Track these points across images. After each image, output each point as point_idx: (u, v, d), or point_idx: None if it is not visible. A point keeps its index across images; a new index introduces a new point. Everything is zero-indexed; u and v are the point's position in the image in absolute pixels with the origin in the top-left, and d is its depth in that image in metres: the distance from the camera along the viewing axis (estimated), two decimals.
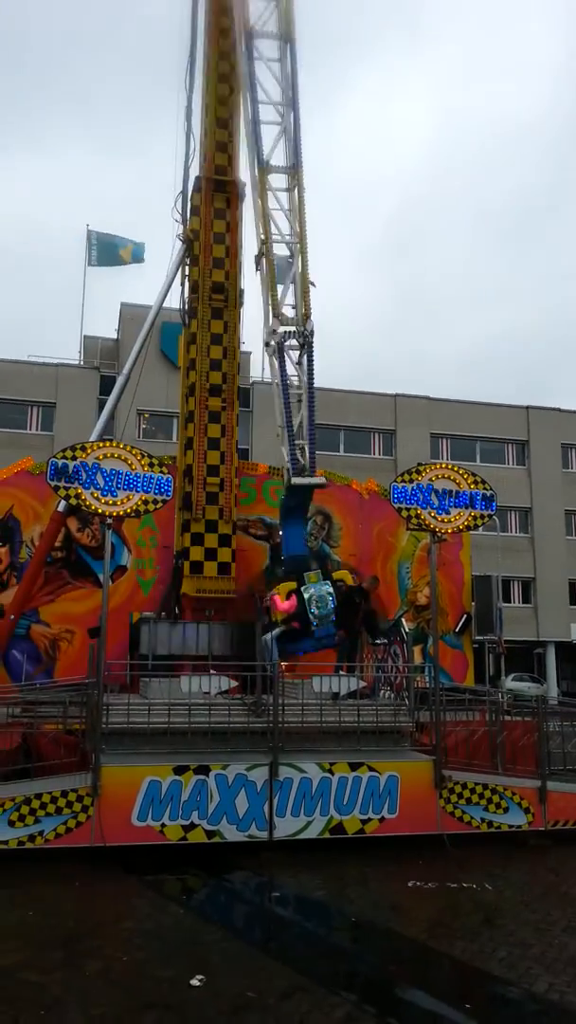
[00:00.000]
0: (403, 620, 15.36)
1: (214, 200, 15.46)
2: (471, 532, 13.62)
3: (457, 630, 17.62)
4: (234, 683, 12.05)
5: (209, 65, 15.57)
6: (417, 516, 12.20)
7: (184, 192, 15.90)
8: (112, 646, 13.11)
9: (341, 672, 12.58)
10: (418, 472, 12.41)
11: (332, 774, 10.37)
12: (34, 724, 10.61)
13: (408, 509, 12.30)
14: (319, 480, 13.49)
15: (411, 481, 12.28)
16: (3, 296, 66.71)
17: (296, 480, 13.12)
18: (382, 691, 13.37)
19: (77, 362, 33.51)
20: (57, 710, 10.67)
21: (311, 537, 16.99)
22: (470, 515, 12.42)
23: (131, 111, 75.03)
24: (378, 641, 13.90)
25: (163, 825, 9.79)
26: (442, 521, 12.27)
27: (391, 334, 73.31)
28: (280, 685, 11.09)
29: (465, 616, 17.64)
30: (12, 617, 14.25)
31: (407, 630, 14.19)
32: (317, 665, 12.86)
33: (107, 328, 34.85)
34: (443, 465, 12.90)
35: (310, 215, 13.88)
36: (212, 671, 12.20)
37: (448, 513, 12.38)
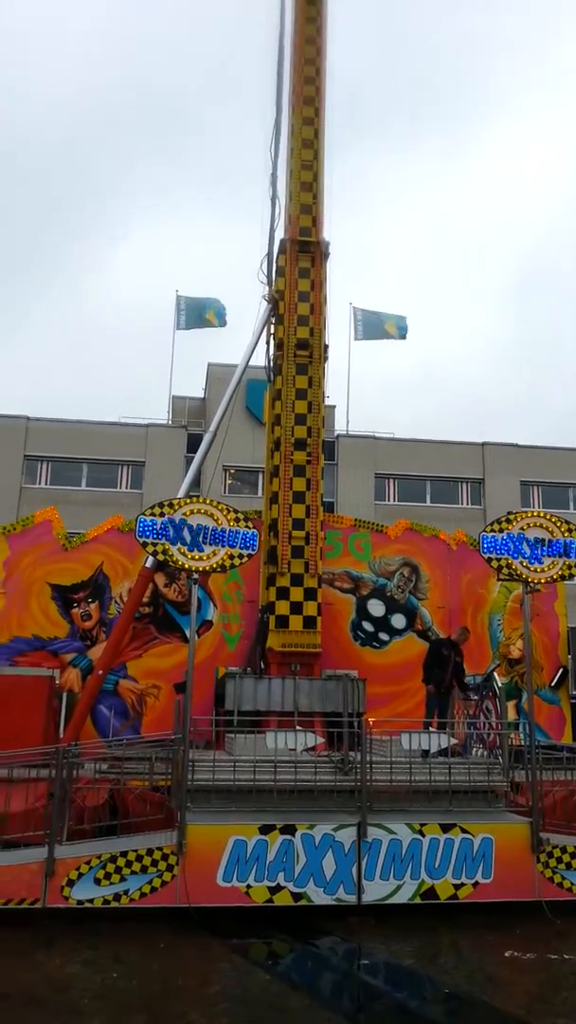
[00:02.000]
0: (495, 674, 14.84)
1: (299, 260, 15.78)
2: (566, 582, 13.11)
3: (553, 684, 16.91)
4: (320, 739, 11.81)
5: (293, 132, 16.06)
6: (508, 566, 11.86)
7: (270, 254, 16.30)
8: (198, 701, 13.11)
9: (431, 729, 12.19)
10: (508, 521, 12.10)
11: (423, 836, 9.98)
12: (120, 780, 10.62)
13: (499, 559, 11.98)
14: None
15: (501, 530, 11.99)
16: (102, 363, 69.53)
17: None
18: (474, 749, 12.88)
19: (166, 421, 34.42)
20: (143, 766, 10.67)
21: (398, 590, 16.75)
22: (564, 564, 12.00)
23: (218, 178, 78.01)
24: (470, 696, 13.46)
25: (248, 886, 9.57)
26: (535, 571, 11.88)
27: (516, 378, 72.67)
28: (368, 742, 10.81)
29: (561, 670, 16.94)
30: (101, 672, 14.45)
31: (500, 684, 13.68)
32: (406, 721, 12.51)
33: (195, 388, 35.80)
34: (534, 513, 12.54)
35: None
36: (298, 727, 12.01)
37: (541, 563, 11.99)
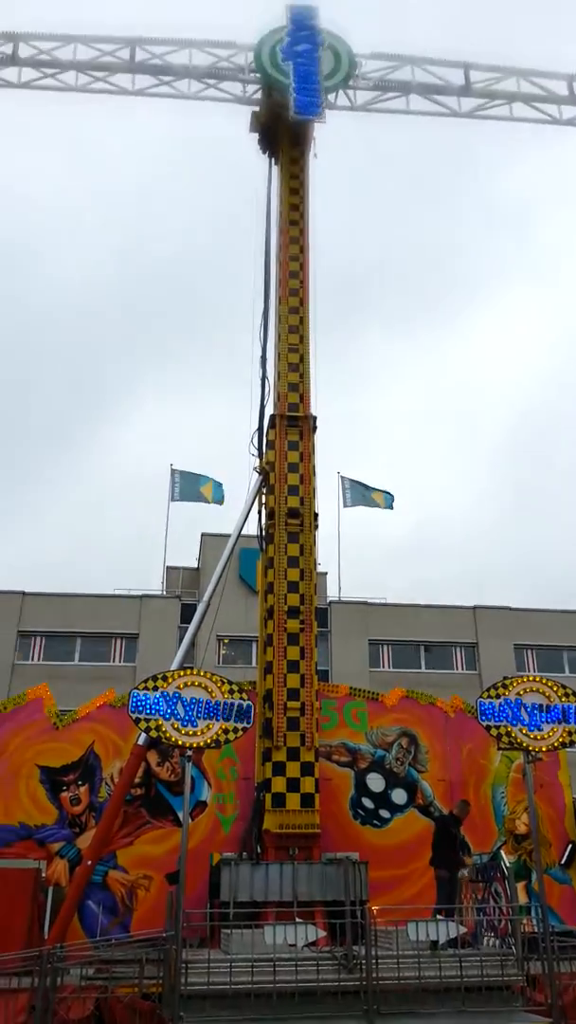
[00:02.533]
0: (502, 853, 14.15)
1: (288, 434, 16.40)
2: (567, 749, 12.77)
3: (563, 862, 16.02)
4: (322, 933, 11.05)
5: (281, 319, 17.19)
6: (508, 734, 11.62)
7: (260, 428, 16.97)
8: (191, 893, 12.35)
9: (439, 916, 11.43)
10: (504, 686, 11.97)
11: None
12: (108, 988, 9.81)
13: (497, 727, 11.74)
14: None
15: (498, 696, 11.83)
16: (97, 535, 70.52)
17: None
18: (486, 937, 12.03)
19: (159, 592, 34.49)
20: (133, 970, 9.90)
21: (397, 762, 16.22)
22: (564, 730, 11.78)
23: (208, 360, 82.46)
24: (477, 876, 12.73)
25: None
26: (535, 738, 11.64)
27: (508, 540, 73.58)
28: (373, 934, 10.13)
29: (571, 846, 16.10)
30: (90, 863, 13.64)
31: (508, 864, 13.01)
32: (412, 909, 11.76)
33: (188, 558, 36.06)
34: (530, 678, 12.43)
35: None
36: (298, 919, 11.26)
37: (540, 729, 11.76)
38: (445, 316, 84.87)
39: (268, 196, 18.17)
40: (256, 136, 18.55)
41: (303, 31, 18.04)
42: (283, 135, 18.02)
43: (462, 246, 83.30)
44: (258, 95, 18.26)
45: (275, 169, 18.36)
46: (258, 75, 17.92)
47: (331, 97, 18.12)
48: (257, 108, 18.35)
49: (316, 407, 16.75)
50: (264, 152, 18.61)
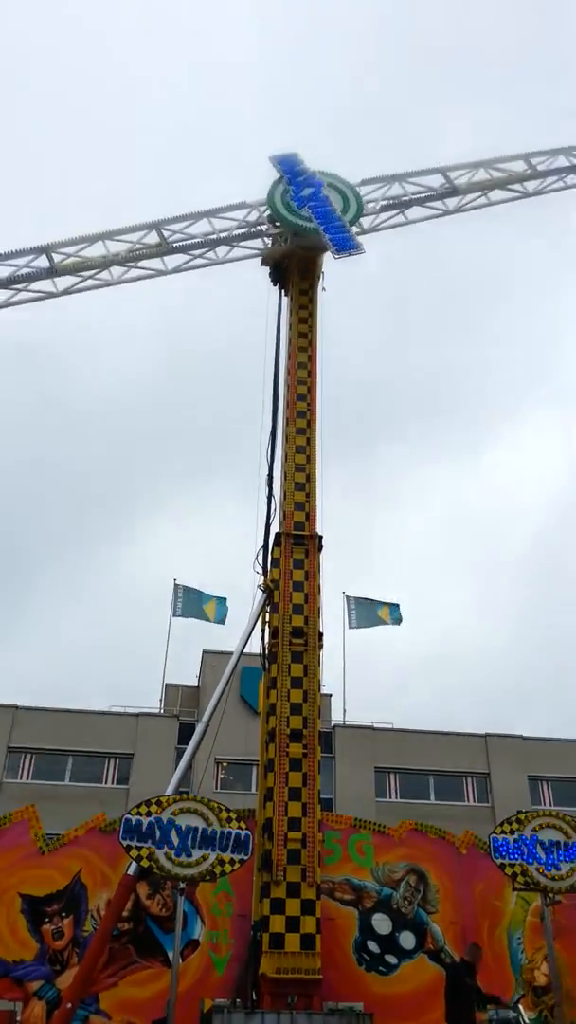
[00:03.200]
0: (520, 1007, 13.01)
1: (293, 552, 16.31)
2: None
3: None
4: None
5: (288, 439, 17.43)
6: (523, 872, 10.94)
7: (266, 545, 16.89)
8: None
9: None
10: (519, 821, 11.32)
11: None
12: None
13: (512, 865, 11.07)
14: None
15: (512, 832, 11.19)
16: (95, 649, 69.59)
17: None
18: None
19: (158, 710, 33.58)
20: None
21: (405, 902, 15.20)
22: None
23: (217, 477, 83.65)
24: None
25: None
26: (552, 878, 10.92)
27: (528, 663, 72.19)
28: None
29: None
30: (70, 1006, 12.56)
31: (527, 1021, 11.92)
32: None
33: (188, 675, 35.31)
34: (546, 812, 11.77)
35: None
36: None
37: (559, 868, 11.08)
38: (465, 435, 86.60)
39: (278, 324, 18.88)
40: (267, 269, 19.39)
41: (299, 176, 19.25)
42: (293, 269, 18.89)
43: (485, 362, 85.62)
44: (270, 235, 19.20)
45: (285, 300, 19.14)
46: (276, 224, 18.76)
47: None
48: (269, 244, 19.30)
49: (323, 526, 16.79)
50: (275, 284, 19.44)
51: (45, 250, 17.77)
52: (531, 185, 21.25)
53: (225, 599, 32.20)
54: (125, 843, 11.32)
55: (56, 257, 17.78)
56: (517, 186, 21.16)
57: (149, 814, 11.59)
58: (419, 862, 15.59)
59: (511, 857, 11.28)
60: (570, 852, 11.15)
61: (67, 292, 17.98)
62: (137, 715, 32.51)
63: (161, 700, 34.24)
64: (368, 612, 32.77)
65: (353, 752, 31.68)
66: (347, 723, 32.73)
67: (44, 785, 29.64)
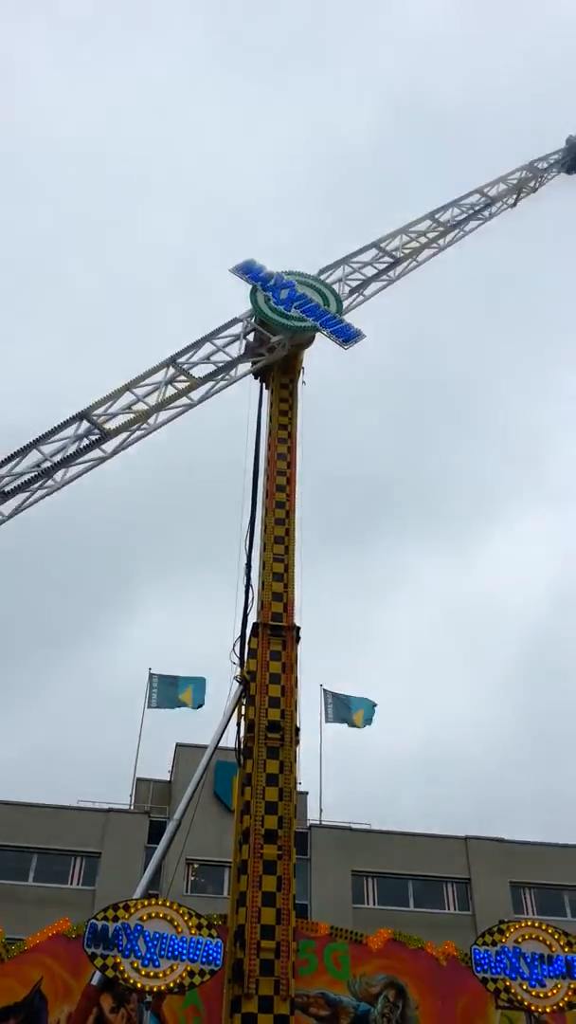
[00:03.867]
0: None
1: (271, 643, 16.16)
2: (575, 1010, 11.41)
3: None
4: None
5: (266, 530, 17.49)
6: (507, 990, 10.46)
7: (243, 636, 16.71)
8: None
9: None
10: (500, 932, 10.92)
11: None
12: None
13: (495, 980, 10.60)
14: None
15: (494, 944, 10.77)
16: (62, 740, 67.45)
17: None
18: None
19: (128, 806, 32.40)
20: None
21: (383, 1019, 14.42)
22: (569, 987, 10.59)
23: (195, 568, 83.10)
24: None
25: None
26: (537, 996, 10.47)
27: (519, 764, 70.36)
28: None
29: None
30: None
31: None
32: None
33: (160, 769, 34.19)
34: (529, 923, 11.38)
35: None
36: None
37: (543, 985, 10.64)
38: (460, 527, 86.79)
39: (259, 418, 19.27)
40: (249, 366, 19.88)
41: (269, 280, 19.98)
42: (275, 365, 19.37)
43: (477, 456, 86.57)
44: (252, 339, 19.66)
45: (266, 393, 19.58)
46: (264, 326, 19.28)
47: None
48: (250, 340, 19.78)
49: (301, 618, 16.72)
50: (256, 378, 19.86)
51: (84, 416, 17.44)
52: (445, 240, 23.65)
53: (204, 680, 31.56)
54: (90, 951, 10.75)
55: (92, 420, 17.45)
56: (433, 245, 23.45)
57: (116, 919, 11.05)
58: (398, 975, 14.89)
59: (494, 971, 10.85)
60: (554, 967, 10.71)
61: (113, 454, 17.47)
62: (107, 811, 31.35)
63: (131, 795, 33.07)
64: (343, 709, 32.35)
65: (329, 854, 30.55)
66: (324, 823, 31.71)
67: (5, 885, 28.28)
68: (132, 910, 10.88)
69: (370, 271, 21.96)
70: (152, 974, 10.68)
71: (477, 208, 24.51)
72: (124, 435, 17.60)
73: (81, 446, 16.99)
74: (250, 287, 19.83)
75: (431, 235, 23.40)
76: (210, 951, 10.74)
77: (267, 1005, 12.54)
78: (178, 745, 32.83)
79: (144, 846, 29.55)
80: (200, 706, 30.70)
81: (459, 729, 73.33)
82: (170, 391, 18.24)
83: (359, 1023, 14.34)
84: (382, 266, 22.09)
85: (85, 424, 17.43)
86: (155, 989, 10.21)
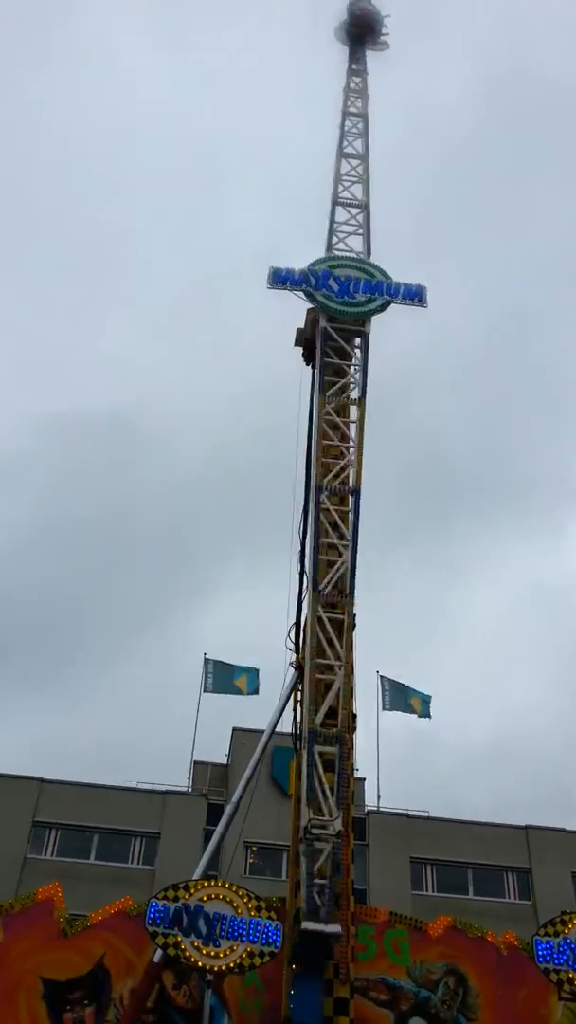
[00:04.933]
0: None
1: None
2: None
3: None
4: None
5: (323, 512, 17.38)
6: (569, 980, 10.28)
7: (298, 622, 16.70)
8: None
9: None
10: (563, 923, 10.72)
11: None
12: None
13: (557, 971, 10.44)
14: (334, 929, 11.86)
15: (556, 935, 10.60)
16: (124, 723, 68.57)
17: (308, 925, 11.59)
18: None
19: (186, 789, 32.80)
20: None
21: (443, 1006, 14.33)
22: None
23: (249, 562, 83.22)
24: None
25: None
26: None
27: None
28: None
29: None
30: None
31: None
32: None
33: (218, 753, 34.45)
34: None
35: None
36: None
37: None
38: (546, 510, 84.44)
39: (312, 398, 19.00)
40: (300, 350, 19.75)
41: (310, 280, 19.22)
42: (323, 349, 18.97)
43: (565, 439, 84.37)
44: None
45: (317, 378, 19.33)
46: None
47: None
48: (301, 325, 19.61)
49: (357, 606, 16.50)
50: (307, 364, 19.65)
51: None
52: None
53: (257, 670, 31.75)
54: (151, 929, 10.94)
55: None
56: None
57: (176, 899, 11.21)
58: (458, 962, 14.77)
59: (556, 962, 10.73)
60: None
61: None
62: (164, 793, 31.81)
63: (189, 779, 33.47)
64: (400, 697, 32.16)
65: (388, 841, 30.48)
66: (381, 809, 31.65)
67: (68, 863, 28.91)
68: (192, 891, 11.01)
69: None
70: (212, 954, 10.81)
71: None
72: None
73: None
74: (301, 293, 19.23)
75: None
76: (269, 933, 10.82)
77: (327, 988, 12.57)
78: (234, 729, 33.05)
79: (203, 828, 29.89)
80: (254, 693, 30.90)
81: (534, 718, 71.46)
82: None
83: (419, 1009, 14.30)
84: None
85: None
86: (215, 968, 10.29)
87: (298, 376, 19.78)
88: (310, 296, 19.05)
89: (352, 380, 18.85)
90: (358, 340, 18.96)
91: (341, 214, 20.94)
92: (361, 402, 18.36)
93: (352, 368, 18.93)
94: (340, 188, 21.11)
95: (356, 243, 20.71)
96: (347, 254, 20.24)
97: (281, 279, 19.30)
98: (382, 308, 18.83)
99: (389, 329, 19.85)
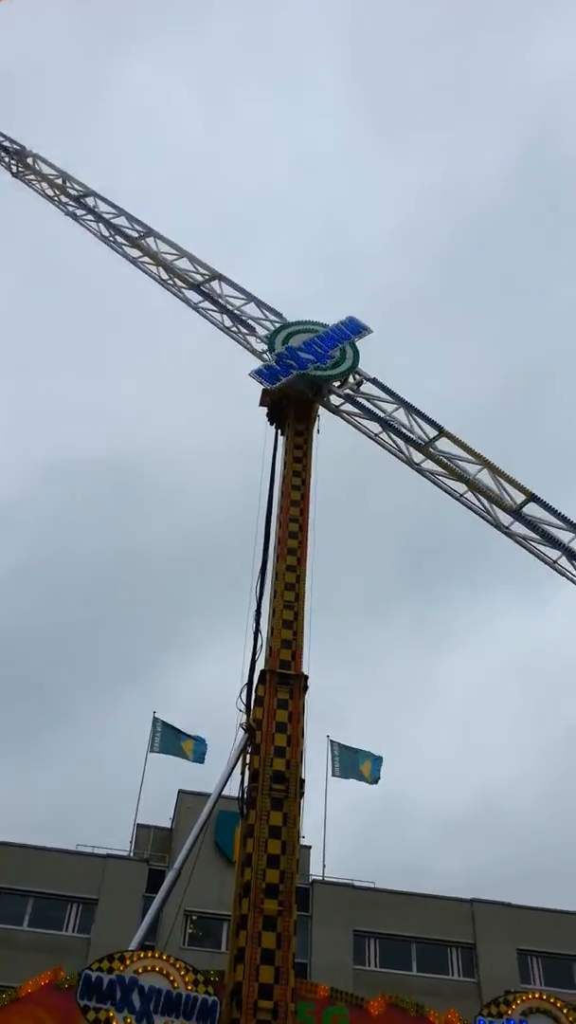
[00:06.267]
0: None
1: (278, 691, 16.02)
2: None
3: None
4: None
5: (277, 577, 17.47)
6: None
7: (250, 683, 16.58)
8: None
9: None
10: (506, 1003, 10.54)
11: None
12: None
13: None
14: None
15: (500, 1015, 10.41)
16: (61, 788, 66.28)
17: None
18: None
19: (127, 853, 31.88)
20: None
21: None
22: None
23: (201, 613, 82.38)
24: None
25: None
26: None
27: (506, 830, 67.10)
28: None
29: None
30: None
31: None
32: None
33: (162, 816, 33.63)
34: (536, 995, 11.00)
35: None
36: None
37: None
38: (533, 574, 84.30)
39: (272, 463, 19.41)
40: (265, 410, 20.18)
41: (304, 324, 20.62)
42: (289, 410, 19.66)
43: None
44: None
45: (281, 439, 19.76)
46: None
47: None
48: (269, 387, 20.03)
49: (309, 667, 16.51)
50: (271, 424, 20.15)
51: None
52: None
53: (204, 740, 31.44)
54: (82, 1003, 10.48)
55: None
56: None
57: (111, 971, 10.80)
58: None
59: None
60: None
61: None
62: (105, 857, 30.86)
63: (131, 842, 32.56)
64: (350, 763, 31.88)
65: (331, 912, 29.84)
66: (326, 879, 31.02)
67: (1, 929, 27.81)
68: (128, 962, 10.63)
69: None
70: None
71: None
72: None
73: None
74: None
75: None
76: (206, 1010, 10.46)
77: None
78: (180, 792, 32.36)
79: (142, 895, 29.00)
80: (200, 761, 30.55)
81: (514, 788, 69.87)
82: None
83: None
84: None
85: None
86: None
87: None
88: (302, 376, 19.61)
89: None
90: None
91: None
92: (306, 465, 18.82)
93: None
94: None
95: None
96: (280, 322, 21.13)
97: (272, 376, 19.58)
98: (324, 373, 19.60)
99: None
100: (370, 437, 20.02)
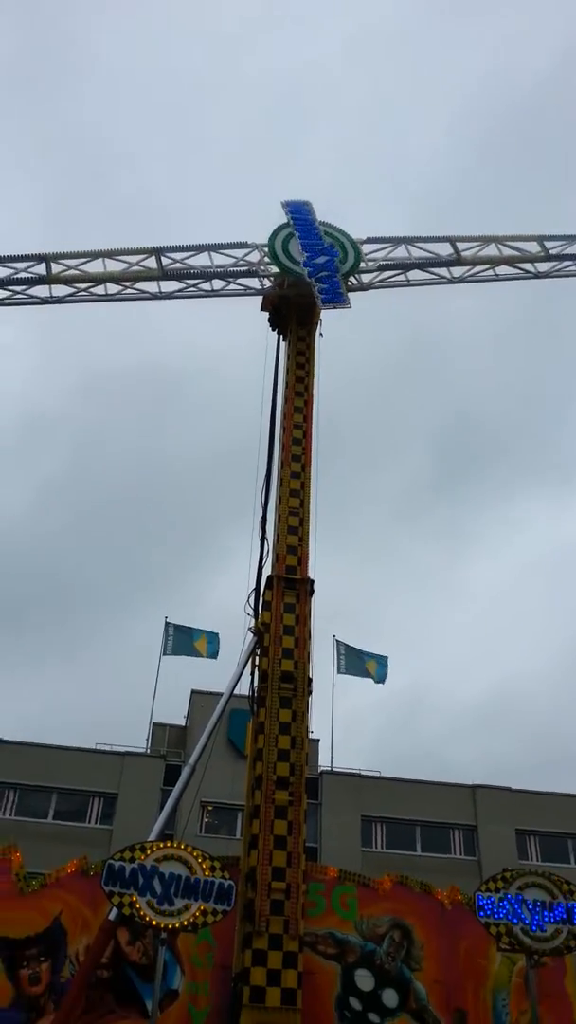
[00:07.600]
0: None
1: (285, 596, 16.32)
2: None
3: None
4: None
5: (282, 483, 17.54)
6: (508, 933, 10.81)
7: (257, 588, 16.90)
8: None
9: None
10: (504, 880, 11.22)
11: None
12: None
13: (497, 924, 10.93)
14: None
15: (498, 890, 11.08)
16: (84, 686, 68.54)
17: None
18: None
19: (144, 750, 33.19)
20: None
21: (388, 958, 14.95)
22: (570, 932, 10.90)
23: (208, 520, 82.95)
24: None
25: None
26: (537, 939, 10.78)
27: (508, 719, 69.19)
28: None
29: None
30: None
31: None
32: None
33: (176, 715, 34.89)
34: (533, 871, 11.66)
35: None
36: None
37: (543, 930, 10.95)
38: (567, 474, 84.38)
39: (275, 369, 19.14)
40: (267, 315, 19.75)
41: (305, 225, 19.66)
42: (291, 315, 19.25)
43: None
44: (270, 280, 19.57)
45: (283, 344, 19.40)
46: (274, 268, 19.15)
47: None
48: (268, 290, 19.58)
49: (315, 571, 16.78)
50: (273, 329, 19.75)
51: (45, 259, 18.18)
52: (543, 266, 21.24)
53: (216, 634, 32.11)
54: (107, 889, 11.18)
55: (56, 268, 18.16)
56: (528, 266, 21.20)
57: (132, 860, 11.45)
58: (404, 917, 15.37)
59: (496, 916, 11.17)
60: (555, 913, 11.04)
61: (60, 301, 18.32)
62: (123, 754, 32.15)
63: (148, 739, 33.85)
64: (356, 662, 32.74)
65: (340, 800, 31.26)
66: (334, 770, 32.38)
67: (27, 822, 29.19)
68: (148, 851, 11.24)
69: (427, 258, 20.54)
70: (167, 912, 11.07)
71: None
72: (71, 289, 18.30)
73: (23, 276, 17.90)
74: (283, 222, 19.71)
75: (525, 259, 21.04)
76: (223, 892, 11.14)
77: (277, 943, 13.03)
78: (193, 692, 33.43)
79: (160, 788, 30.33)
80: (214, 656, 31.22)
81: (531, 681, 71.74)
82: (139, 272, 18.55)
83: (365, 961, 14.91)
84: (444, 261, 20.58)
85: (43, 267, 18.11)
86: (170, 926, 10.61)
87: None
88: (277, 229, 19.45)
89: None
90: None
91: None
92: (309, 370, 18.56)
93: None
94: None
95: None
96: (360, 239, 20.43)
97: (297, 213, 19.88)
98: (293, 275, 18.90)
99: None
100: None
